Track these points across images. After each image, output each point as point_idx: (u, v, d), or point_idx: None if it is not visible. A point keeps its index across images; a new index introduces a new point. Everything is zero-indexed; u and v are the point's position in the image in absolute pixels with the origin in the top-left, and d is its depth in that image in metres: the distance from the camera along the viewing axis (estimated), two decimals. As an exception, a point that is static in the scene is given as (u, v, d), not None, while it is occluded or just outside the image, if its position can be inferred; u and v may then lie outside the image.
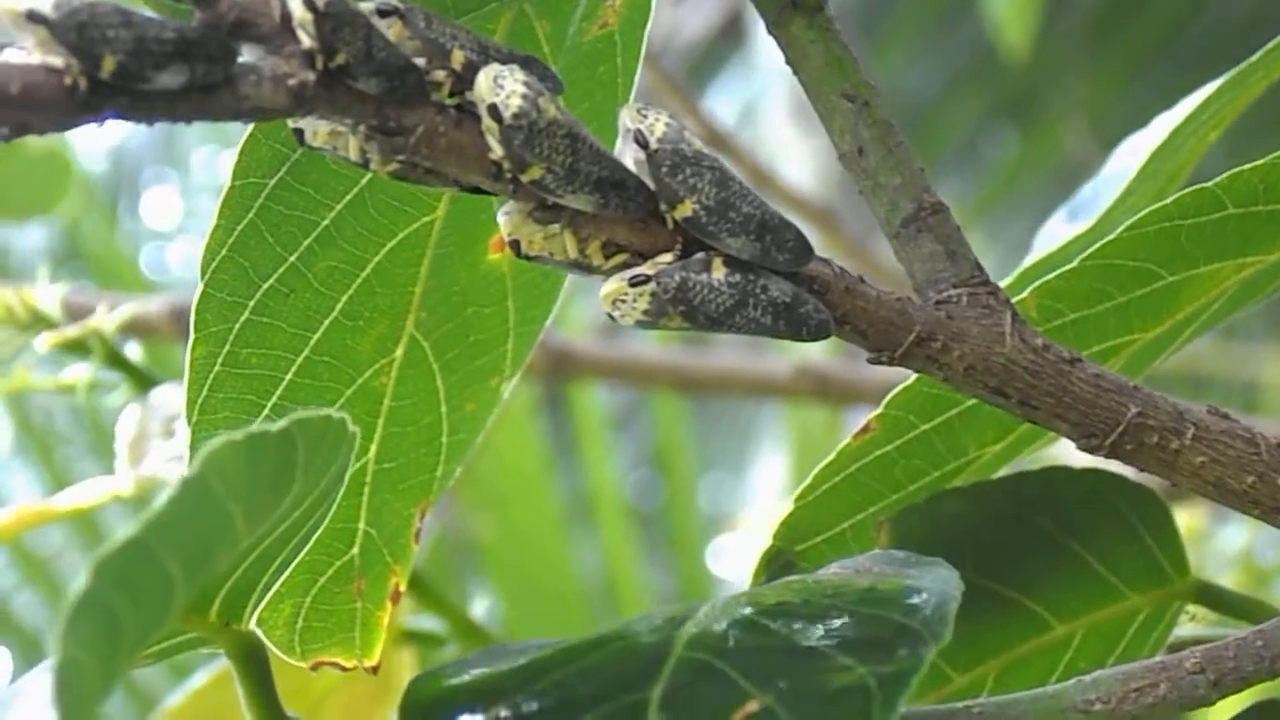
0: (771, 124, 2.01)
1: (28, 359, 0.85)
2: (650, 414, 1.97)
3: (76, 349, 0.84)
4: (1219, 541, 1.12)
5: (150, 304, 1.02)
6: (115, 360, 0.84)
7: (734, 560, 1.92)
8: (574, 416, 1.84)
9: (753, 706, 0.40)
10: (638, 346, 1.30)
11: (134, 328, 0.87)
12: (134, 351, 0.86)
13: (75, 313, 0.87)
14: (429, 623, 0.87)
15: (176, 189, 2.55)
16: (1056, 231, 0.69)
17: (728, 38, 2.20)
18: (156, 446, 0.80)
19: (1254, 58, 0.60)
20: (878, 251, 1.39)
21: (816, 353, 1.28)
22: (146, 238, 2.49)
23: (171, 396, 0.81)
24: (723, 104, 2.21)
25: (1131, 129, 0.70)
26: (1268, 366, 1.99)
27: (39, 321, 0.84)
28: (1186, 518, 1.06)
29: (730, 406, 2.37)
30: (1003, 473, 0.60)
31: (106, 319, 0.84)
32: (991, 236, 2.31)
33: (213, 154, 2.35)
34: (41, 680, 0.42)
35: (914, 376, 0.56)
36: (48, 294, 0.84)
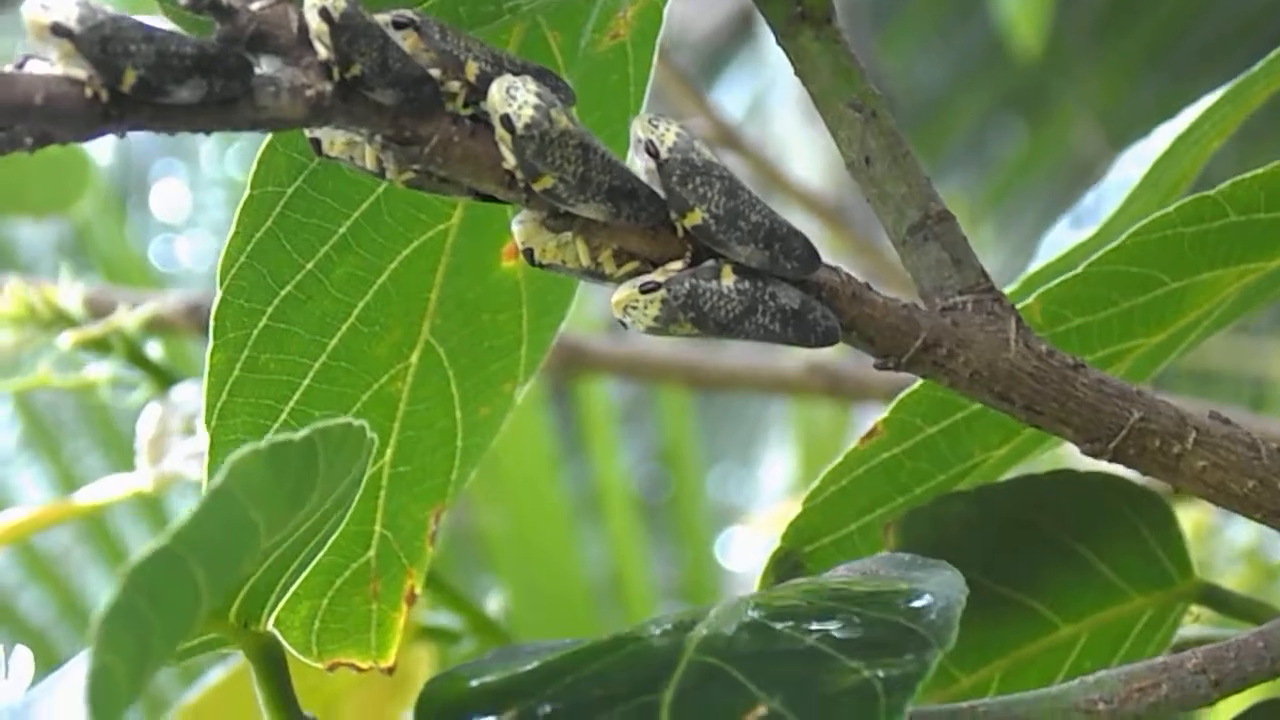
0: (782, 118, 2.02)
1: (46, 356, 0.86)
2: (658, 407, 1.97)
3: (98, 347, 0.84)
4: (1227, 537, 1.12)
5: (167, 301, 1.03)
6: (137, 358, 0.85)
7: (742, 552, 1.93)
8: (582, 411, 1.84)
9: (761, 710, 0.41)
10: (649, 344, 1.30)
11: (150, 325, 0.88)
12: (154, 349, 0.86)
13: (92, 309, 0.88)
14: (445, 619, 0.87)
15: (185, 182, 2.55)
16: (1061, 238, 0.69)
17: (740, 33, 2.21)
18: (176, 444, 0.81)
19: (1255, 69, 0.60)
20: (887, 247, 1.38)
21: (826, 352, 1.28)
22: (156, 230, 2.50)
23: (192, 394, 0.82)
24: (734, 98, 2.21)
25: (1139, 124, 0.71)
26: (1276, 361, 1.99)
27: (60, 319, 0.84)
28: (1195, 514, 1.07)
29: (739, 399, 2.37)
30: (1009, 476, 0.61)
31: (128, 317, 0.84)
32: (1001, 230, 2.32)
33: (221, 147, 2.35)
34: (67, 683, 0.43)
35: (920, 381, 0.57)
36: (69, 292, 0.85)
